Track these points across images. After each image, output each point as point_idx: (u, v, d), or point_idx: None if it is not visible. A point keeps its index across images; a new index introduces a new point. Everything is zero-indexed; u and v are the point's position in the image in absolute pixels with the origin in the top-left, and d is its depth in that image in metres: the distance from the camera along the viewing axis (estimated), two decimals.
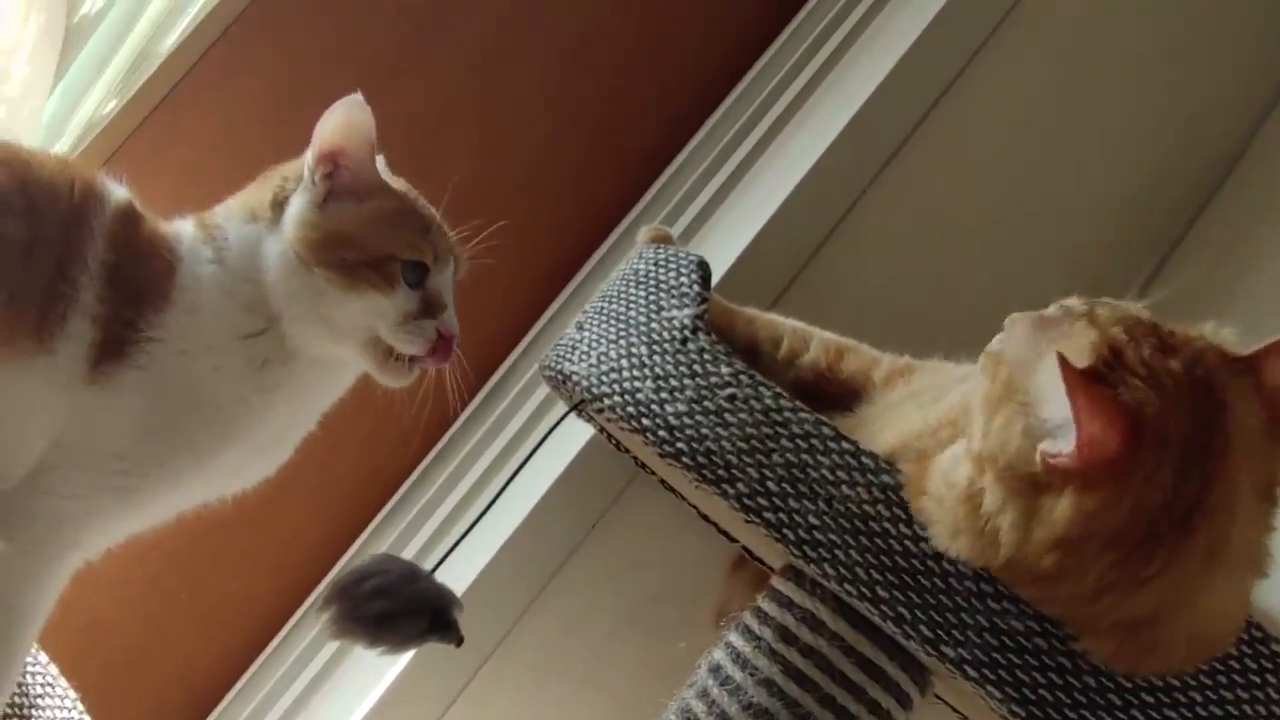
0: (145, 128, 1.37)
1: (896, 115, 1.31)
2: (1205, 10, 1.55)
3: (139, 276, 0.94)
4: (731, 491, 0.84)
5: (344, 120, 0.97)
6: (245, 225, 0.99)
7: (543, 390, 1.32)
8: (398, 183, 1.05)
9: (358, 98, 0.97)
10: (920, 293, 1.33)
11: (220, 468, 0.96)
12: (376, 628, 0.86)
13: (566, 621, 1.21)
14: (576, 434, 1.17)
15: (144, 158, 1.36)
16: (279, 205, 0.99)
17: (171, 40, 1.78)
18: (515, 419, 1.32)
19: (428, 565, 0.91)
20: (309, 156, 0.99)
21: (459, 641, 0.88)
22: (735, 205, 1.39)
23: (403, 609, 0.86)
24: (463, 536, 0.95)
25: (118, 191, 0.98)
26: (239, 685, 1.34)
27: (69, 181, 0.94)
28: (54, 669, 1.01)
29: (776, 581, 0.93)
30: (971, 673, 0.76)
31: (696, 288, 0.91)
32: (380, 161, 1.05)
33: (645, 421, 0.86)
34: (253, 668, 1.33)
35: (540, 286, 1.46)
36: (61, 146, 1.75)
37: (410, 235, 0.99)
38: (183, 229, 1.00)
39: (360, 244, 0.97)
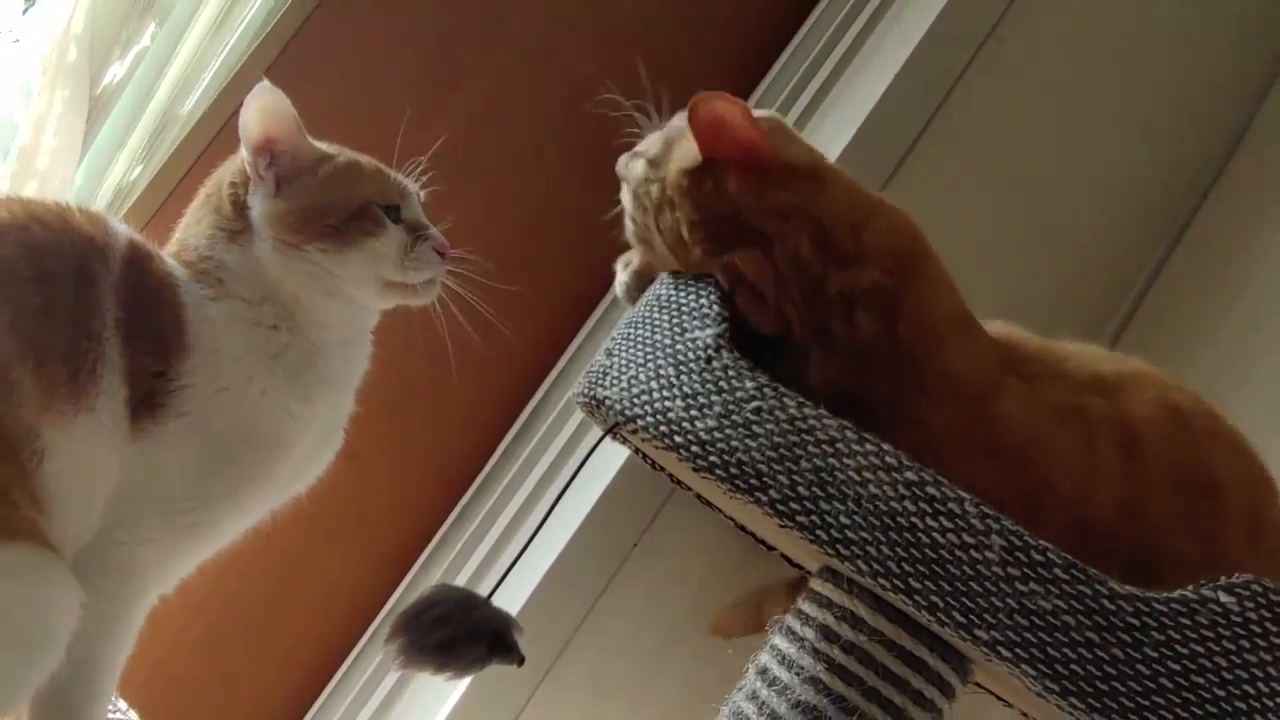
0: (181, 189, 1.41)
1: (895, 130, 1.36)
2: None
3: (155, 328, 0.97)
4: (764, 499, 0.88)
5: (263, 108, 1.02)
6: (229, 249, 1.03)
7: (576, 417, 1.36)
8: (330, 146, 1.10)
9: (265, 84, 1.02)
10: None
11: (282, 480, 1.01)
12: (441, 655, 0.90)
13: (616, 636, 1.25)
14: (613, 457, 1.21)
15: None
16: (241, 211, 1.03)
17: (191, 103, 1.85)
18: (552, 446, 1.37)
19: (481, 592, 0.96)
20: (245, 155, 1.04)
21: (520, 661, 0.93)
22: None
23: (464, 635, 0.91)
24: (513, 564, 0.99)
25: (119, 237, 0.99)
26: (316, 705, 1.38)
27: (70, 240, 0.95)
28: (133, 714, 1.06)
29: (815, 583, 0.97)
30: (1005, 653, 0.80)
31: (716, 308, 0.95)
32: None
33: (678, 439, 0.91)
34: (318, 702, 1.38)
35: (569, 315, 1.51)
36: None
37: (373, 182, 1.06)
38: (174, 269, 1.02)
39: (334, 207, 1.03)
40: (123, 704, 1.07)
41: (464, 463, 1.39)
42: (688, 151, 1.00)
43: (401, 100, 1.49)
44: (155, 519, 0.94)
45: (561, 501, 1.19)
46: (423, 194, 1.13)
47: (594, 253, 1.50)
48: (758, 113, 0.99)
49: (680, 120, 1.03)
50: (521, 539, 1.25)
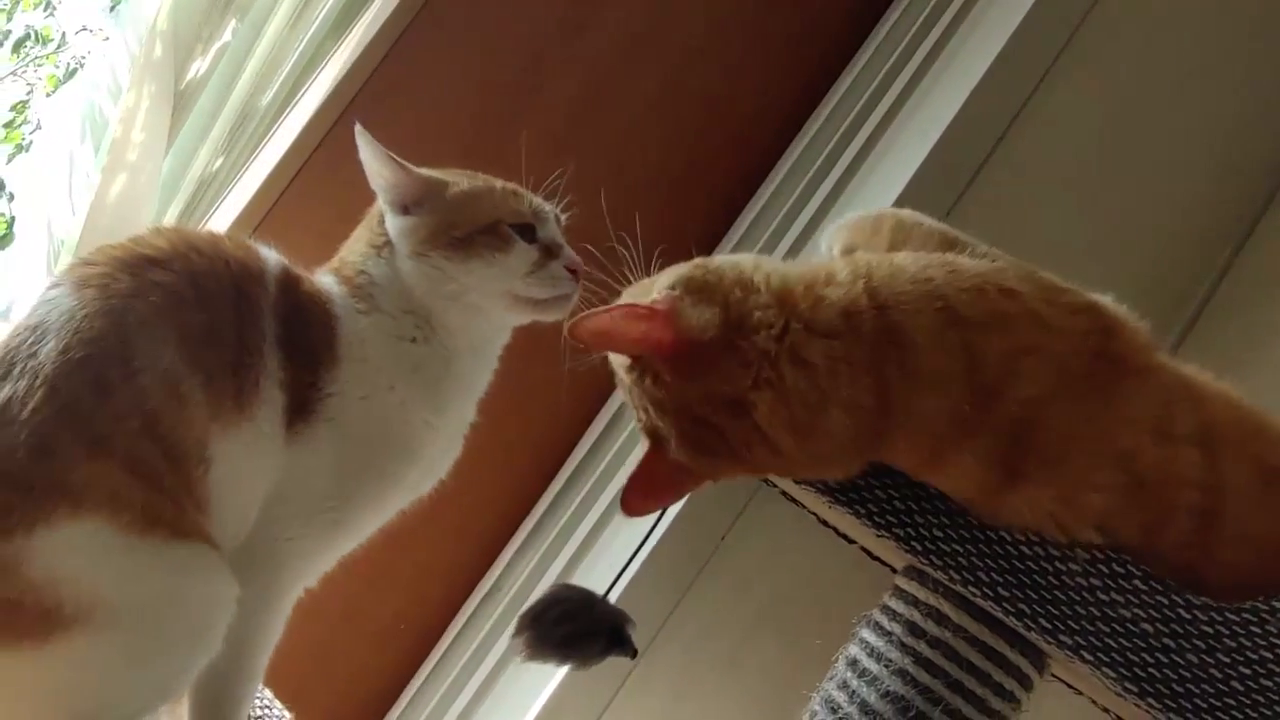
0: (289, 191, 1.47)
1: (973, 144, 1.41)
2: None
3: (307, 342, 1.06)
4: (863, 511, 0.96)
5: (363, 154, 1.12)
6: (376, 263, 1.12)
7: None
8: (459, 172, 1.17)
9: (356, 129, 1.11)
10: None
11: (411, 483, 1.09)
12: (564, 649, 0.99)
13: (704, 625, 1.33)
14: None
15: (288, 220, 1.47)
16: (386, 235, 1.13)
17: (269, 96, 1.91)
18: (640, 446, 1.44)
19: (596, 589, 1.04)
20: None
21: (634, 654, 1.02)
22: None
23: (585, 631, 0.99)
24: (627, 564, 1.07)
25: (271, 260, 1.08)
26: (403, 702, 1.48)
27: (225, 263, 1.04)
28: (278, 703, 1.15)
29: (900, 581, 1.05)
30: (1088, 657, 0.88)
31: None
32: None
33: None
34: (415, 683, 1.47)
35: None
36: (177, 205, 1.89)
37: (505, 204, 1.13)
38: (328, 285, 1.11)
39: (459, 223, 1.10)
40: (268, 693, 1.16)
41: (556, 450, 1.47)
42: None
43: (500, 99, 1.54)
44: (302, 517, 1.03)
45: None
46: (563, 217, 1.19)
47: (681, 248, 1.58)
48: (662, 280, 0.96)
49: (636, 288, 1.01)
50: (614, 528, 1.33)
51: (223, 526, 0.99)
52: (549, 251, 1.13)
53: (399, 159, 1.11)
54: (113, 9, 1.95)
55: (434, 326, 1.11)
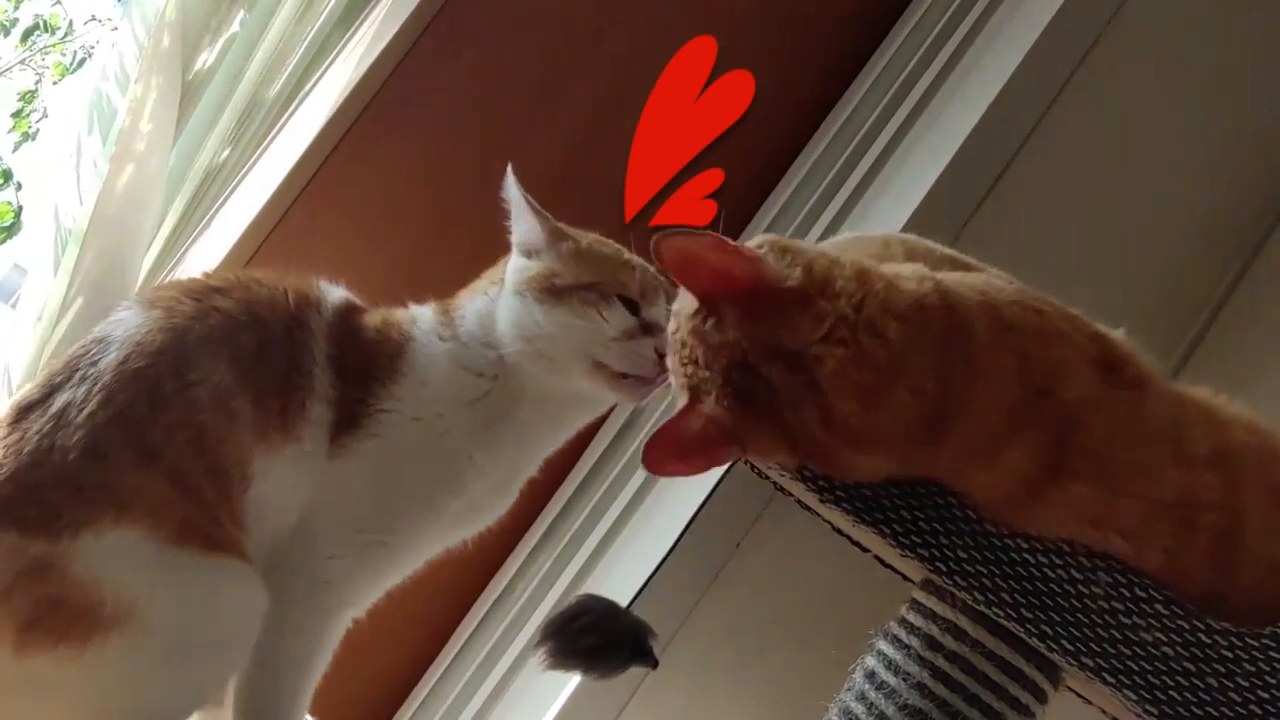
0: (299, 204, 1.48)
1: (983, 166, 1.43)
2: None
3: (364, 360, 1.09)
4: (889, 531, 0.97)
5: (508, 196, 1.15)
6: (478, 299, 1.15)
7: None
8: (599, 239, 1.18)
9: (508, 173, 1.14)
10: None
11: (453, 517, 1.10)
12: (589, 659, 1.00)
13: (719, 631, 1.35)
14: None
15: (300, 231, 1.47)
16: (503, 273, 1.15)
17: (277, 87, 1.91)
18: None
19: (620, 602, 1.05)
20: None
21: (655, 665, 1.03)
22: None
23: (609, 643, 1.01)
24: (651, 576, 1.08)
25: (333, 293, 1.13)
26: (413, 704, 1.49)
27: (284, 292, 1.08)
28: None
29: (919, 595, 1.06)
30: (1109, 679, 0.90)
31: None
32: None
33: (807, 473, 1.00)
34: (424, 687, 1.49)
35: None
36: (184, 195, 1.88)
37: (616, 272, 1.13)
38: (420, 313, 1.15)
39: (564, 274, 1.11)
40: None
41: (569, 452, 1.47)
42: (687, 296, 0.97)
43: (512, 113, 1.55)
44: (340, 534, 1.05)
45: (668, 502, 1.29)
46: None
47: None
48: (751, 242, 0.94)
49: None
50: (629, 532, 1.34)
51: (260, 544, 1.01)
52: (646, 329, 1.11)
53: (536, 205, 1.13)
54: None
55: (506, 366, 1.11)
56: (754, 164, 1.71)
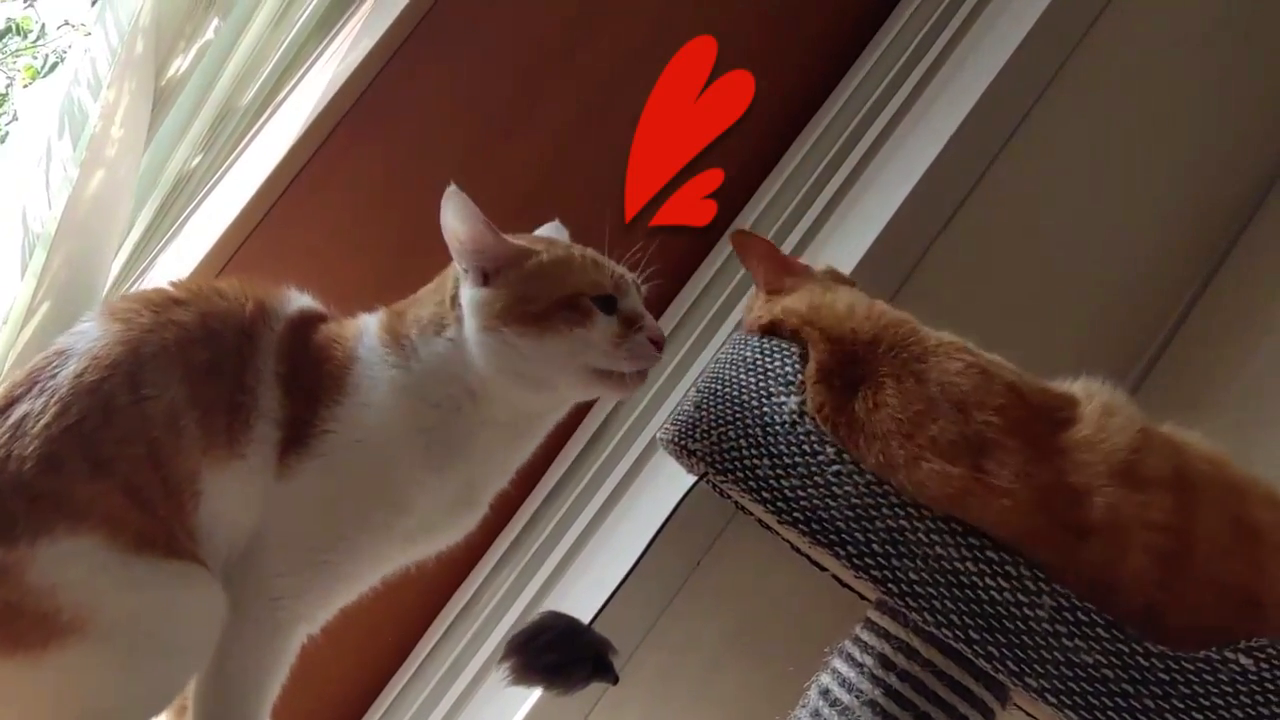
0: (271, 217, 1.48)
1: (936, 204, 1.47)
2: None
3: (311, 380, 1.07)
4: (842, 553, 1.00)
5: (449, 213, 1.07)
6: (434, 339, 1.10)
7: (649, 429, 1.48)
8: (549, 238, 1.16)
9: (450, 189, 1.05)
10: None
11: (404, 536, 1.10)
12: (551, 675, 1.03)
13: (678, 649, 1.36)
14: (679, 479, 1.33)
15: (274, 244, 1.48)
16: (456, 302, 1.10)
17: (250, 95, 1.91)
18: (624, 460, 1.48)
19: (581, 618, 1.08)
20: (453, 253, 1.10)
21: (615, 681, 1.05)
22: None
23: (571, 659, 1.03)
24: (613, 594, 1.10)
25: (291, 304, 1.10)
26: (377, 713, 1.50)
27: (243, 304, 1.07)
28: None
29: (873, 614, 1.10)
30: (1051, 699, 0.93)
31: (800, 376, 1.07)
32: (553, 226, 1.19)
33: (765, 494, 1.03)
34: (385, 699, 1.50)
35: None
36: (154, 201, 1.89)
37: (585, 275, 1.09)
38: (367, 327, 1.12)
39: (537, 296, 1.07)
40: None
41: (536, 464, 1.49)
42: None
43: (489, 123, 1.56)
44: (288, 553, 1.06)
45: (631, 518, 1.31)
46: (644, 288, 1.15)
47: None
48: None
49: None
50: (593, 546, 1.36)
51: (215, 559, 1.02)
52: (629, 322, 1.10)
53: (490, 224, 1.07)
54: (95, 2, 1.94)
55: (476, 399, 1.09)
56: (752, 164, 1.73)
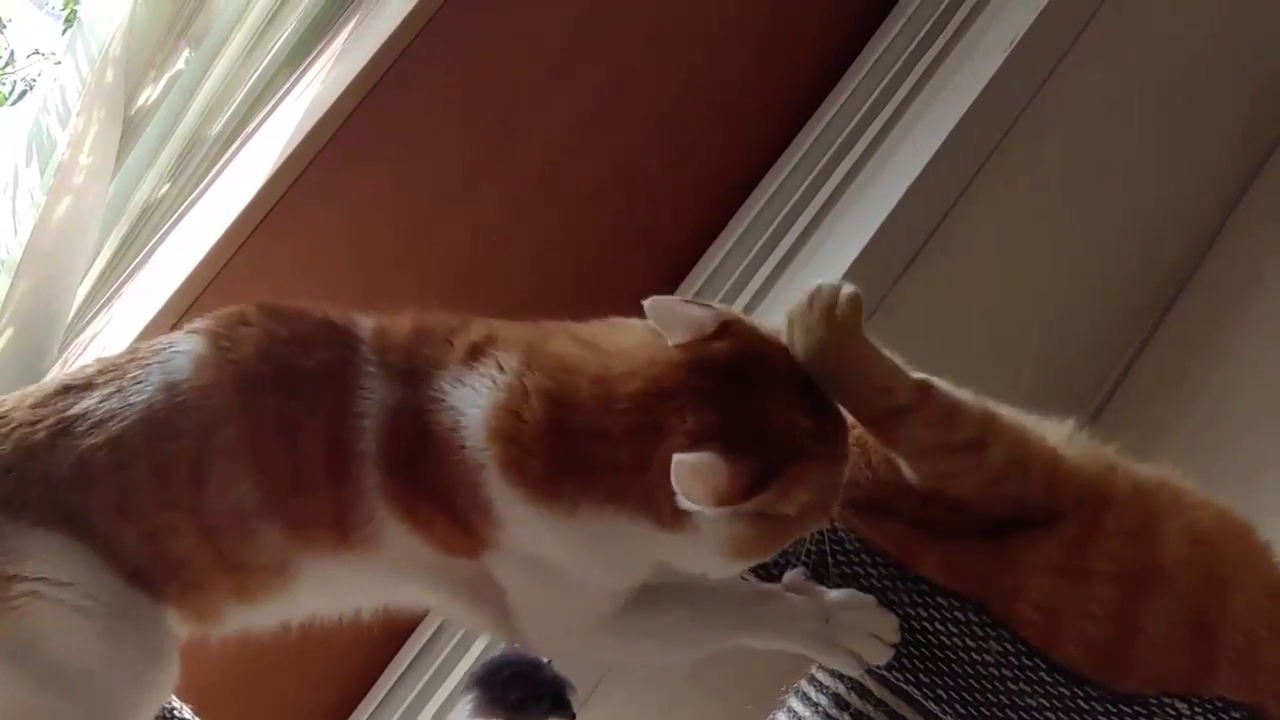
0: (240, 255, 1.48)
1: (912, 230, 1.53)
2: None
3: None
4: None
5: None
6: None
7: None
8: None
9: None
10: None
11: None
12: (515, 710, 1.05)
13: (637, 687, 1.38)
14: None
15: (241, 282, 1.48)
16: None
17: (219, 125, 1.93)
18: None
19: None
20: None
21: (572, 717, 1.08)
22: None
23: (532, 694, 1.05)
24: None
25: None
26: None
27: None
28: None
29: None
30: None
31: None
32: None
33: None
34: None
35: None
36: (120, 230, 1.89)
37: None
38: None
39: None
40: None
41: None
42: None
43: (455, 172, 1.58)
44: None
45: None
46: None
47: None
48: None
49: None
50: None
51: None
52: None
53: None
54: (65, 31, 1.95)
55: None
56: (698, 215, 1.76)
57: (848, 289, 0.90)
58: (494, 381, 0.91)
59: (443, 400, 0.92)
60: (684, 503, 0.83)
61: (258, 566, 0.94)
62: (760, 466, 0.84)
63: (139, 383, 0.93)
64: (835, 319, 0.90)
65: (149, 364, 0.94)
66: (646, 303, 0.93)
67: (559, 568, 0.94)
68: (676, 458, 0.82)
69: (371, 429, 0.91)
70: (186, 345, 0.95)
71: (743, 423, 0.86)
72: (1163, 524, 0.98)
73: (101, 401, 0.92)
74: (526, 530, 0.92)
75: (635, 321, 0.94)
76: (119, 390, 0.93)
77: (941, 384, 0.95)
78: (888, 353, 0.94)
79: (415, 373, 0.93)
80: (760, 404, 0.88)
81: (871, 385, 0.92)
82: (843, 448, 0.92)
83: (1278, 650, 0.96)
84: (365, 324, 0.97)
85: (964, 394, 0.96)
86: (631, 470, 0.87)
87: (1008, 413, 1.00)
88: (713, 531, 0.88)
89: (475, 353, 0.93)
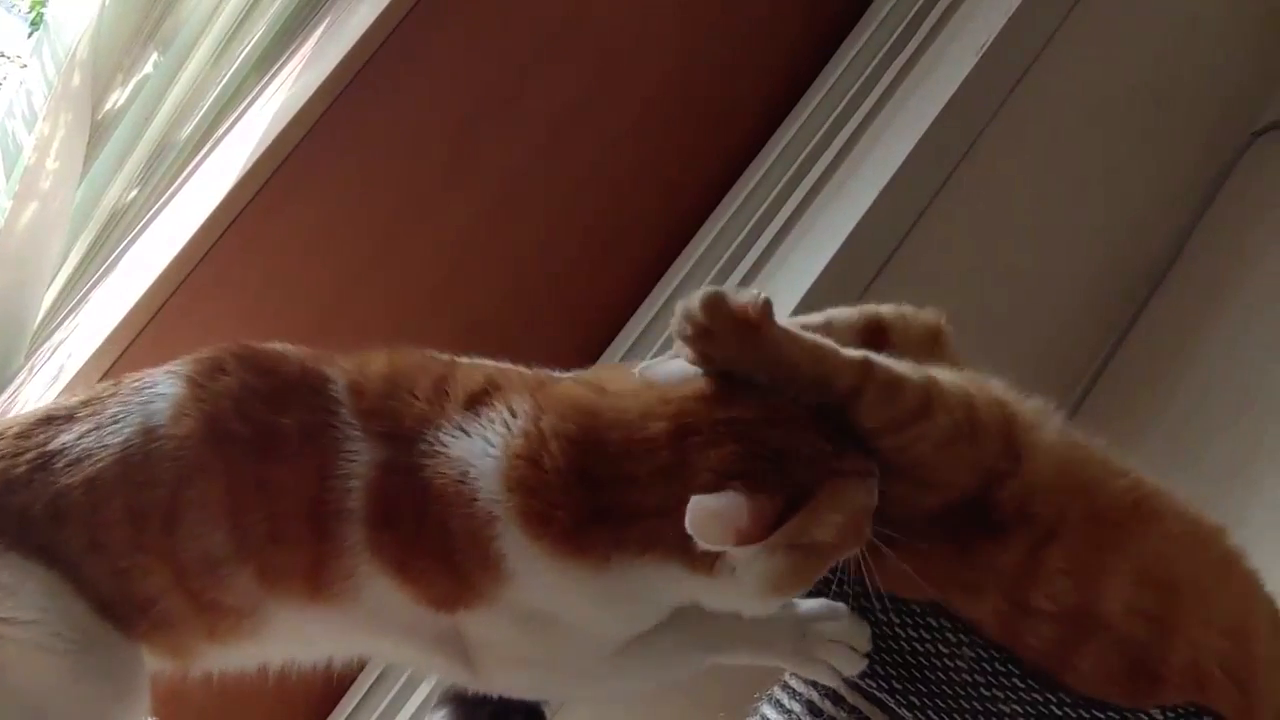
0: (208, 261, 1.46)
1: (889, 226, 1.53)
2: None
3: None
4: None
5: None
6: None
7: None
8: None
9: None
10: None
11: None
12: None
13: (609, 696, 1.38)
14: None
15: (210, 287, 1.46)
16: None
17: (188, 130, 1.91)
18: None
19: None
20: None
21: None
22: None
23: (504, 711, 1.05)
24: None
25: None
26: None
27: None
28: None
29: None
30: None
31: None
32: None
33: None
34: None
35: None
36: (88, 235, 1.87)
37: None
38: None
39: None
40: None
41: None
42: None
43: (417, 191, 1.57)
44: None
45: None
46: None
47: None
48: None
49: None
50: None
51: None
52: None
53: None
54: (31, 34, 1.93)
55: None
56: (667, 223, 1.75)
57: (749, 292, 0.87)
58: (507, 427, 0.88)
59: (443, 453, 0.89)
60: (705, 545, 0.81)
61: (228, 609, 0.93)
62: (785, 496, 0.82)
63: (116, 422, 0.92)
64: (738, 323, 0.86)
65: (129, 404, 0.93)
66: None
67: (567, 622, 0.92)
68: (694, 501, 0.79)
69: (359, 489, 0.89)
70: (167, 389, 0.93)
71: (763, 452, 0.84)
72: (1110, 562, 0.94)
73: (80, 438, 0.91)
74: (540, 583, 0.89)
75: (620, 364, 0.93)
76: (97, 428, 0.92)
77: (880, 358, 0.90)
78: (810, 336, 0.89)
79: (401, 430, 0.90)
80: (778, 432, 0.85)
81: (807, 376, 0.87)
82: (867, 463, 0.88)
83: (1228, 688, 0.93)
84: (339, 380, 0.94)
85: (903, 366, 0.91)
86: (662, 514, 0.83)
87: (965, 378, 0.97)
88: (748, 569, 0.85)
89: (477, 400, 0.90)
